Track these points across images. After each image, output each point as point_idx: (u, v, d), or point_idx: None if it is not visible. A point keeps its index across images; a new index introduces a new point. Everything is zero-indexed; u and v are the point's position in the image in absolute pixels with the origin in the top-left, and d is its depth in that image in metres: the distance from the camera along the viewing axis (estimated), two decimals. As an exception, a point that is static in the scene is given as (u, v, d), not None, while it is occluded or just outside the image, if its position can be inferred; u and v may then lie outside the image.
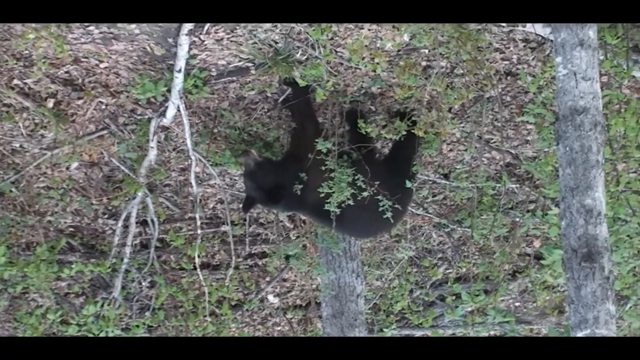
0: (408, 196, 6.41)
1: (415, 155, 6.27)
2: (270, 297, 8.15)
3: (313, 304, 8.01)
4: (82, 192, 7.00)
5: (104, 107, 6.31)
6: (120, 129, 6.47)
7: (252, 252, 7.76)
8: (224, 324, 7.65)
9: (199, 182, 6.91)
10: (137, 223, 7.14)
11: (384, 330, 8.11)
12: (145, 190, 6.83)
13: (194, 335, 7.45)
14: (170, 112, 6.15)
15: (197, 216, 6.98)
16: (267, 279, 7.92)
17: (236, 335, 7.99)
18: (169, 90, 5.98)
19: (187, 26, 5.48)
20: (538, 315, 8.35)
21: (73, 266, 7.02)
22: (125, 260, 7.25)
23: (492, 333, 8.19)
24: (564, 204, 4.31)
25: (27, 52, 5.85)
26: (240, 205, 6.72)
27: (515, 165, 7.06)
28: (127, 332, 7.54)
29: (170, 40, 5.69)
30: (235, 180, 7.02)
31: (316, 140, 5.93)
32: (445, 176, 7.10)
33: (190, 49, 5.69)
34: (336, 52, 5.85)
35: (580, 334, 4.14)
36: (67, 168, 6.81)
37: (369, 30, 5.71)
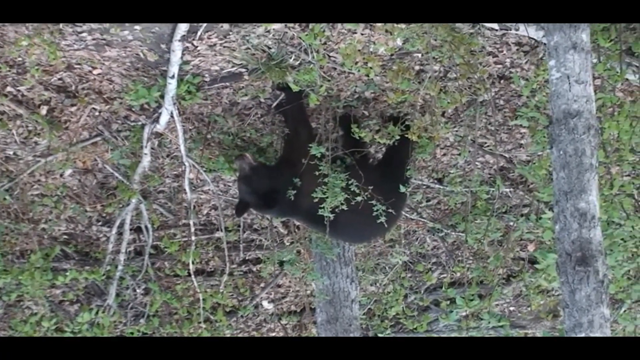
0: (402, 201, 6.40)
1: (409, 159, 6.29)
2: (265, 303, 8.14)
3: (307, 309, 8.00)
4: (76, 199, 6.99)
5: (97, 113, 6.31)
6: (114, 135, 6.46)
7: (247, 258, 7.76)
8: (218, 331, 7.66)
9: (193, 188, 6.90)
10: (131, 230, 7.13)
11: (379, 335, 8.11)
12: (139, 197, 6.83)
13: (189, 342, 7.45)
14: (164, 119, 6.14)
15: (191, 222, 6.98)
16: (262, 285, 7.91)
17: (231, 341, 7.98)
18: (162, 97, 5.98)
19: (180, 32, 5.47)
20: (532, 319, 8.35)
21: (67, 273, 7.03)
22: (120, 267, 7.25)
23: (486, 337, 8.20)
24: (558, 207, 4.31)
25: (20, 59, 5.84)
26: (234, 212, 6.72)
27: (509, 169, 7.06)
28: (122, 339, 7.55)
29: (163, 46, 5.69)
30: (229, 186, 7.02)
31: (310, 145, 5.94)
32: (439, 180, 7.10)
33: (183, 54, 5.69)
34: (329, 56, 5.85)
35: (575, 337, 4.15)
36: (61, 175, 6.80)
37: (362, 34, 5.72)
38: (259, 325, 8.31)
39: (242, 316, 8.05)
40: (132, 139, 6.45)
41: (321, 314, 7.02)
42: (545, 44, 5.16)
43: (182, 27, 5.45)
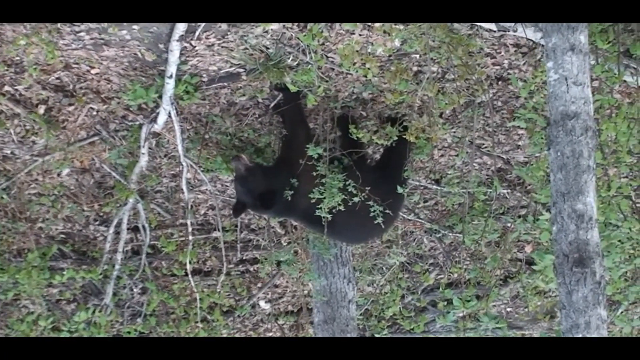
0: (399, 202, 6.40)
1: (407, 160, 6.28)
2: (262, 303, 8.14)
3: (305, 310, 8.00)
4: (73, 199, 6.98)
5: (95, 113, 6.30)
6: (112, 135, 6.46)
7: (244, 258, 7.75)
8: (215, 330, 7.65)
9: (191, 188, 6.90)
10: (128, 229, 7.13)
11: (376, 335, 8.11)
12: (136, 197, 6.83)
13: (185, 342, 7.45)
14: (162, 118, 6.14)
15: (189, 222, 6.97)
16: (259, 285, 7.91)
17: (228, 341, 7.98)
18: (160, 96, 5.98)
19: (178, 32, 5.47)
20: (530, 320, 8.36)
21: (64, 273, 7.02)
22: (117, 266, 7.25)
23: (483, 338, 8.20)
24: (556, 209, 4.31)
25: (18, 58, 5.83)
26: (231, 211, 6.71)
27: (506, 170, 7.07)
28: (119, 338, 7.55)
29: (161, 46, 5.68)
30: (226, 186, 7.02)
31: (307, 145, 5.93)
32: (437, 181, 7.10)
33: (181, 54, 5.68)
34: (327, 57, 5.85)
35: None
36: (59, 174, 6.79)
37: (360, 35, 5.71)
38: (256, 325, 8.31)
39: (239, 316, 8.05)
40: (129, 138, 6.45)
41: (318, 314, 7.02)
42: (543, 45, 5.17)
43: (181, 27, 5.45)
